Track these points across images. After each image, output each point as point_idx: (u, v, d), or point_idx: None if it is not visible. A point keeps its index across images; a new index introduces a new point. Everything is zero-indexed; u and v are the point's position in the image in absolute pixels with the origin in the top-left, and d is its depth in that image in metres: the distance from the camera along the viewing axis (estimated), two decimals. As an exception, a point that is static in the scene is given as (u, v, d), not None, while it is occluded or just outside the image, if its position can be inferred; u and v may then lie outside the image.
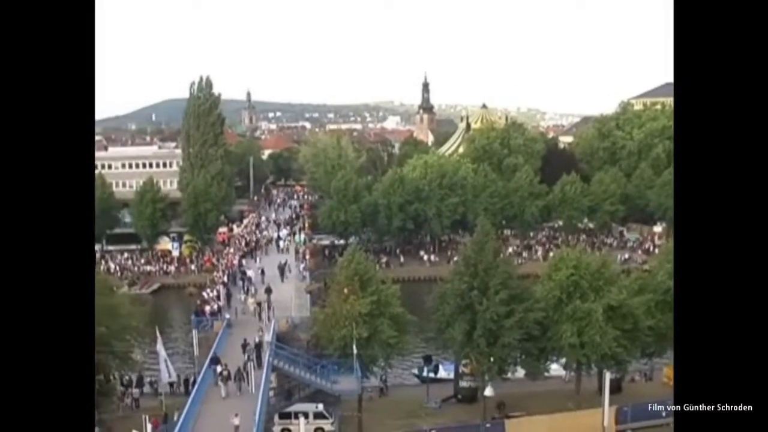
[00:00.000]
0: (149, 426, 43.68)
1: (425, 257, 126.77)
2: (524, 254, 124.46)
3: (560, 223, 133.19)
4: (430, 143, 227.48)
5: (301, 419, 50.90)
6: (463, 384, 62.39)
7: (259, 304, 61.58)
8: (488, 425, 55.26)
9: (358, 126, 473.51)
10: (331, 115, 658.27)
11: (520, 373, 59.71)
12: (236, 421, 40.94)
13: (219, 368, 48.66)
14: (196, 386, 48.75)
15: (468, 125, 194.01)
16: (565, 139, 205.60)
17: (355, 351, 52.98)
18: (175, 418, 45.68)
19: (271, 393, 52.56)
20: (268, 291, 63.63)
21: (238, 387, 47.96)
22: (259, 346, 52.83)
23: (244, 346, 52.77)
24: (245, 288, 67.99)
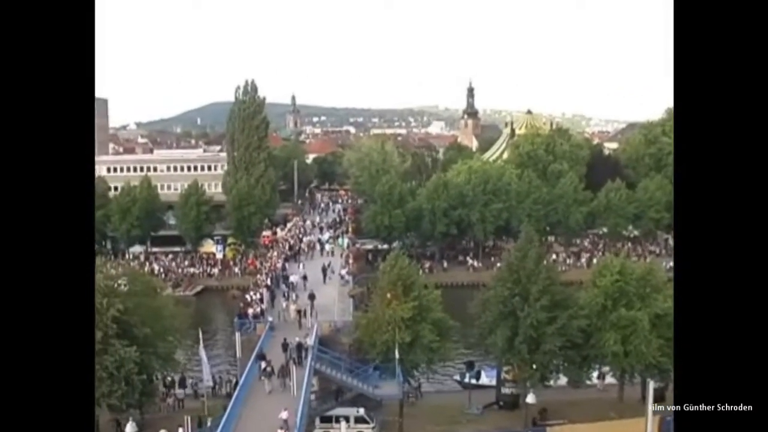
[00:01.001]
0: (189, 426, 43.95)
1: (468, 263, 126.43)
2: (568, 261, 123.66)
3: (605, 230, 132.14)
4: (474, 148, 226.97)
5: (342, 423, 50.97)
6: (505, 391, 61.97)
7: (299, 311, 61.58)
8: (529, 432, 55.01)
9: (403, 131, 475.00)
10: (375, 120, 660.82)
11: (563, 380, 59.37)
12: (284, 415, 41.61)
13: (263, 364, 49.76)
14: (242, 379, 49.64)
15: (513, 131, 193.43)
16: (611, 146, 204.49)
17: (397, 356, 53.00)
18: (209, 423, 46.20)
19: (313, 396, 52.73)
20: (312, 297, 63.60)
21: (282, 383, 48.73)
22: (300, 346, 53.43)
23: (285, 345, 53.35)
24: (287, 294, 68.08)
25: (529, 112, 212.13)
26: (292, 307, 62.36)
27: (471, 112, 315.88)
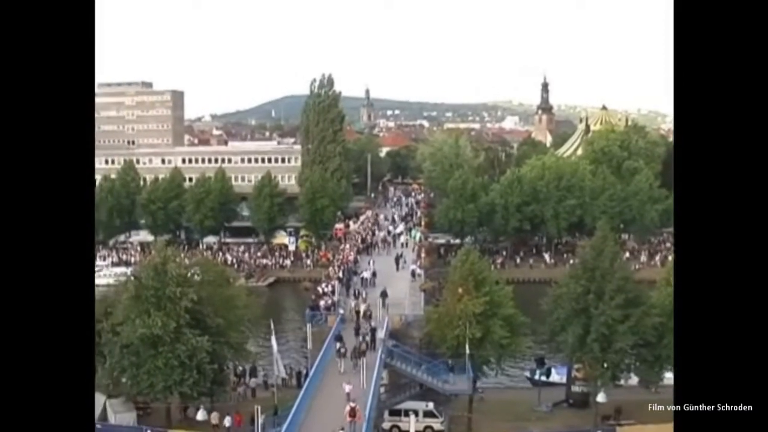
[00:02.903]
0: (259, 415, 44.47)
1: (540, 259, 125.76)
2: (642, 259, 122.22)
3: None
4: (548, 144, 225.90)
5: (411, 417, 51.09)
6: (575, 389, 61.45)
7: (357, 312, 61.16)
8: (599, 432, 54.46)
9: (476, 125, 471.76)
10: (449, 114, 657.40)
11: (635, 380, 58.62)
12: (347, 388, 43.86)
13: (338, 345, 51.46)
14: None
15: (587, 127, 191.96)
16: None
17: (467, 351, 52.88)
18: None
19: (383, 389, 52.91)
20: (384, 294, 63.52)
21: (354, 365, 49.90)
22: (373, 331, 54.93)
23: (357, 329, 55.08)
24: (357, 292, 67.89)
25: (604, 108, 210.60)
26: (363, 306, 62.11)
27: (545, 107, 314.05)
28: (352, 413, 41.01)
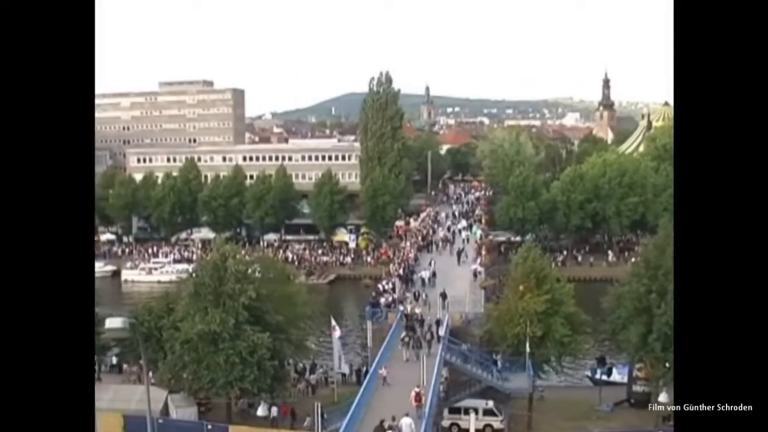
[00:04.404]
0: (319, 412, 44.64)
1: (602, 257, 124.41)
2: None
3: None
4: (609, 141, 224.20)
5: (471, 415, 50.97)
6: (637, 388, 60.81)
7: (406, 315, 60.99)
8: (660, 432, 53.89)
9: (537, 122, 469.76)
10: (509, 111, 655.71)
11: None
12: (384, 372, 45.88)
13: (403, 333, 52.44)
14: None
15: (649, 123, 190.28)
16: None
17: (527, 349, 52.62)
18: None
19: (442, 387, 52.84)
20: (443, 296, 63.39)
21: (416, 354, 50.42)
22: (438, 322, 55.49)
23: (422, 321, 56.08)
24: (416, 293, 67.68)
25: (667, 104, 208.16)
26: (418, 311, 61.77)
27: (607, 103, 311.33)
28: (418, 398, 41.17)
